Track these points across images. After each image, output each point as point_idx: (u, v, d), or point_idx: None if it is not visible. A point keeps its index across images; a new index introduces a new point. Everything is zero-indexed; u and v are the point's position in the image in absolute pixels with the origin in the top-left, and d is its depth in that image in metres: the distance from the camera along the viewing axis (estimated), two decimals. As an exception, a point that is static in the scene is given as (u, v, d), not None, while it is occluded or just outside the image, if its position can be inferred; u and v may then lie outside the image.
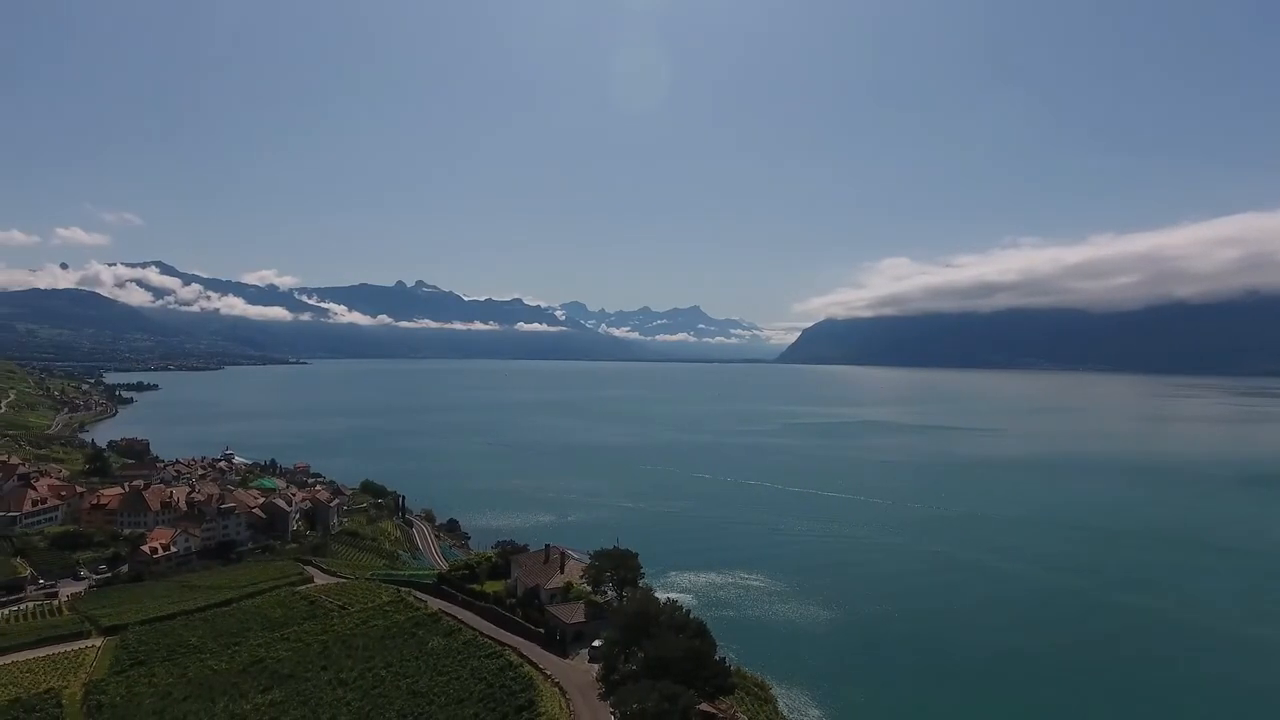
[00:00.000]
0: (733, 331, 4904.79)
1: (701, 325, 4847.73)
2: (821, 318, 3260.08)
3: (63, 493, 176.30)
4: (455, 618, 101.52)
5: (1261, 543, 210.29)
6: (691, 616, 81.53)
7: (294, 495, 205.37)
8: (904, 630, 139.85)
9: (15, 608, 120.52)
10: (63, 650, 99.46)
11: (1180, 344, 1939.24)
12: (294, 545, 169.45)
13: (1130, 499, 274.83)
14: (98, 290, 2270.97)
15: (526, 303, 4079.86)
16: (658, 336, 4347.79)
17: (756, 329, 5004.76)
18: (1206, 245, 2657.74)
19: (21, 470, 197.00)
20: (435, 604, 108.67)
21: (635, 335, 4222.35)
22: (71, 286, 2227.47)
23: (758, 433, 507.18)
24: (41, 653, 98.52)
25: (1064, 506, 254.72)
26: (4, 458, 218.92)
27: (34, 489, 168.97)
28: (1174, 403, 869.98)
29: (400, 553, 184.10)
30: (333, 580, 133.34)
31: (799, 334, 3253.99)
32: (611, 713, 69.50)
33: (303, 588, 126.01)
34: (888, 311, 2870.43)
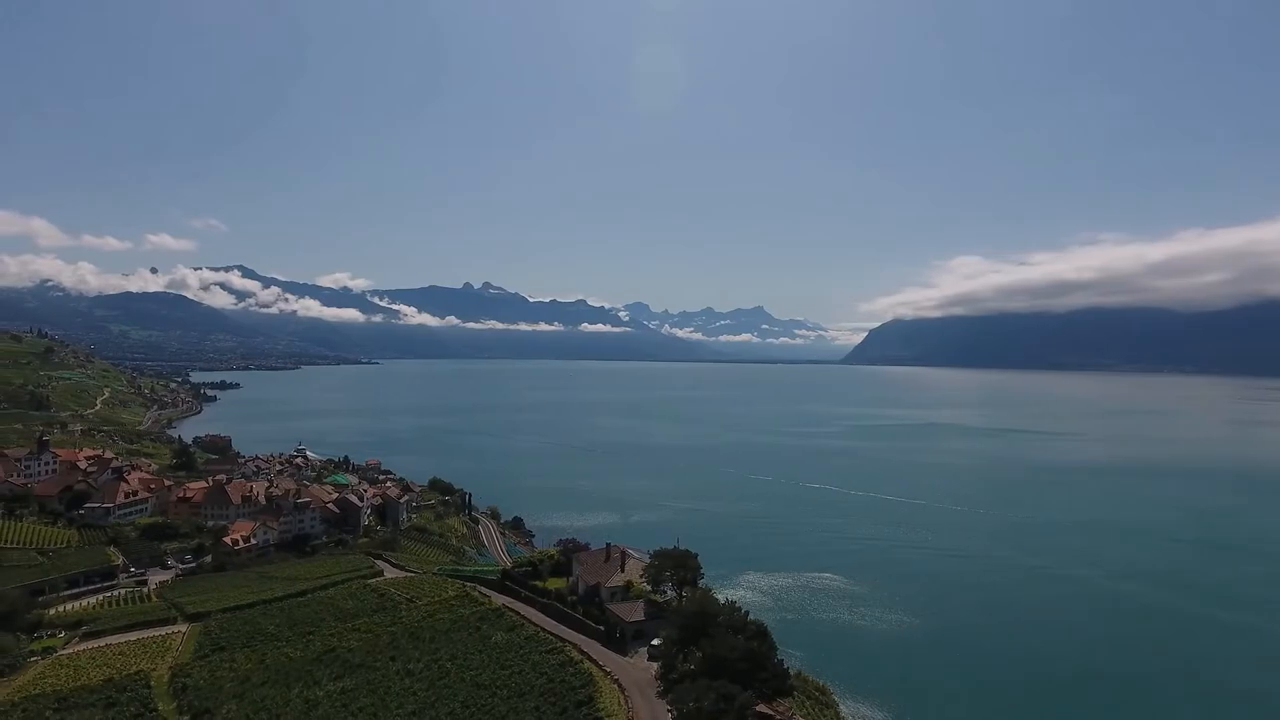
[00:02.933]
0: (797, 332, 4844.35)
1: (765, 326, 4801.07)
2: (889, 318, 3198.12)
3: (152, 486, 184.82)
4: (518, 613, 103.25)
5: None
6: (751, 618, 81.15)
7: (366, 491, 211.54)
8: (982, 644, 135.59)
9: (109, 594, 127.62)
10: (151, 635, 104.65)
11: (1273, 345, 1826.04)
12: (365, 540, 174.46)
13: (1225, 507, 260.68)
14: (184, 293, 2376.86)
15: (590, 304, 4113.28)
16: (721, 337, 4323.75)
17: (822, 329, 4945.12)
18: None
19: (115, 464, 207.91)
20: (499, 599, 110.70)
21: (698, 336, 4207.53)
22: (160, 290, 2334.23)
23: (821, 435, 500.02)
24: (132, 636, 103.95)
25: (1152, 514, 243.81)
26: (99, 452, 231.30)
27: (126, 482, 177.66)
28: (1268, 407, 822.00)
29: (466, 549, 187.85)
30: (401, 574, 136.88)
31: (865, 334, 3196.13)
32: (669, 710, 69.75)
33: (373, 581, 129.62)
34: (958, 311, 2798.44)
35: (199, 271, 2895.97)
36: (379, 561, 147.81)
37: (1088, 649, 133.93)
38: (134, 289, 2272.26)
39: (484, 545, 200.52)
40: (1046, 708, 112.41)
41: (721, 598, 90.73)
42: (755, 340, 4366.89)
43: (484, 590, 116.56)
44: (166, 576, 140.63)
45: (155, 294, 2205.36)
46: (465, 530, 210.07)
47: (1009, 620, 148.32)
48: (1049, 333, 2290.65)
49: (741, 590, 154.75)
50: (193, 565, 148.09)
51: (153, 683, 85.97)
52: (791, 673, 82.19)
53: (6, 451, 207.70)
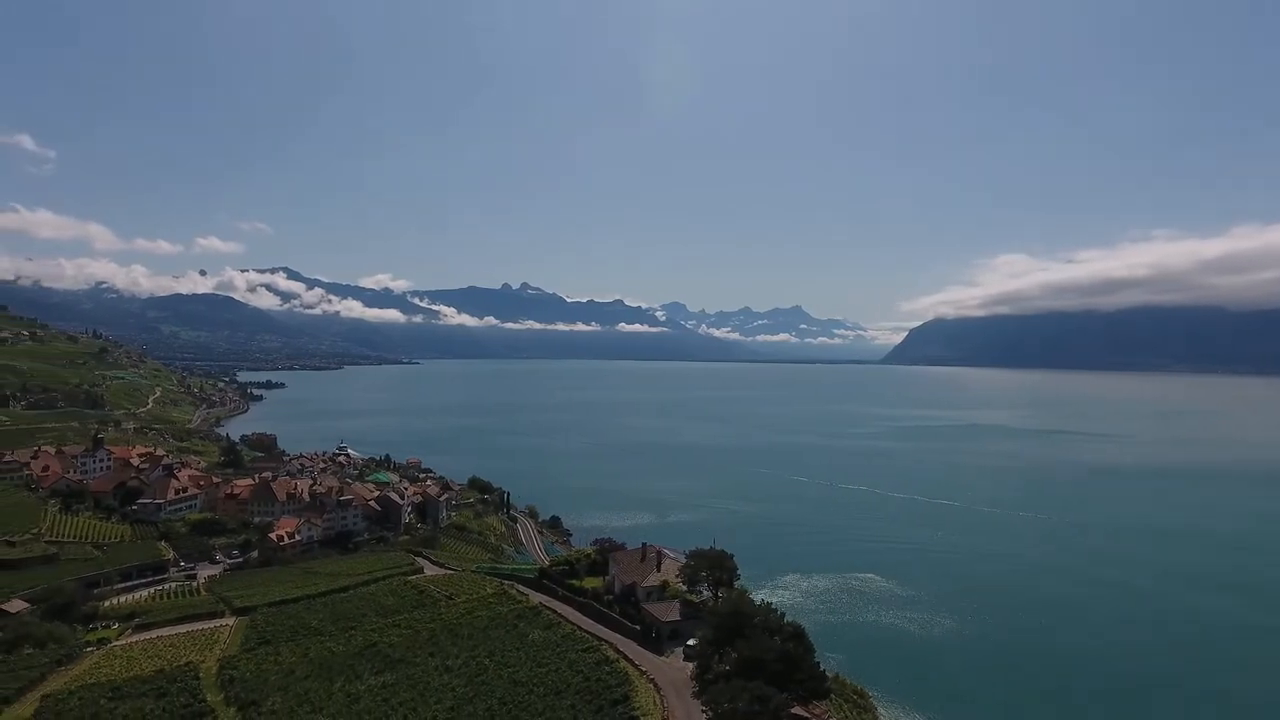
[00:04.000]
0: (836, 332, 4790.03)
1: (803, 325, 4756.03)
2: (930, 317, 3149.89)
3: (201, 482, 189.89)
4: (555, 611, 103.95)
5: None
6: (787, 620, 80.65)
7: (406, 489, 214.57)
8: (1028, 649, 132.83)
9: (160, 587, 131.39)
10: (200, 628, 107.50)
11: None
12: (406, 537, 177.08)
13: None
14: (232, 295, 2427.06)
15: (627, 304, 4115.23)
16: (758, 337, 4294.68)
17: (861, 329, 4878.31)
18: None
19: (166, 461, 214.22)
20: (536, 597, 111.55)
21: (735, 336, 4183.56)
22: (209, 291, 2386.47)
23: (860, 435, 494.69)
24: (182, 629, 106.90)
25: (1205, 519, 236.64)
26: (151, 449, 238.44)
27: (176, 478, 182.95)
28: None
29: (505, 547, 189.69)
30: (441, 571, 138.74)
31: (906, 334, 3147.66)
32: (704, 711, 69.69)
33: (413, 578, 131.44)
34: (1002, 310, 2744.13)
35: (245, 273, 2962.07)
36: (419, 559, 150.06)
37: (1132, 655, 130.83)
38: (184, 291, 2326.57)
39: (522, 544, 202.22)
40: (1086, 714, 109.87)
41: (757, 599, 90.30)
42: (793, 340, 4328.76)
43: (521, 588, 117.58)
44: (215, 571, 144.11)
45: (204, 295, 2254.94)
46: (503, 529, 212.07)
47: (1048, 624, 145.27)
48: (1097, 332, 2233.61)
49: (778, 591, 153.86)
50: (240, 560, 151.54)
51: (201, 674, 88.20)
52: (829, 676, 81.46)
53: (64, 449, 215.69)
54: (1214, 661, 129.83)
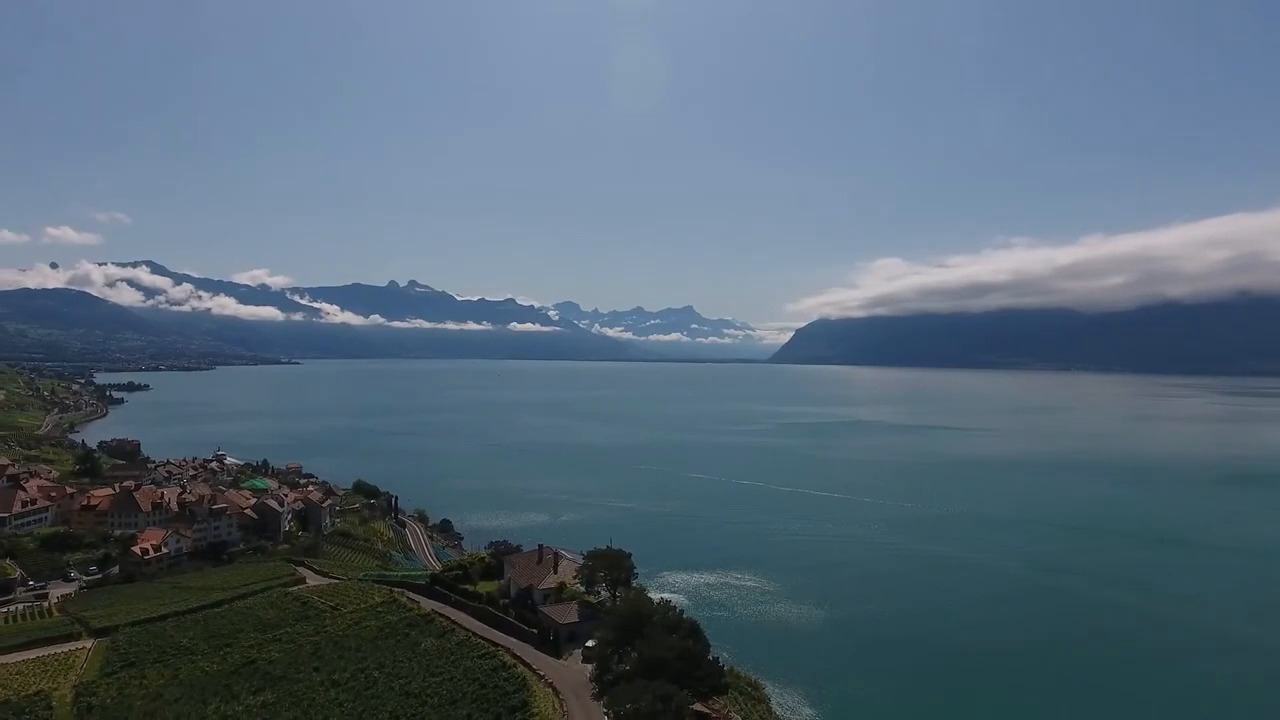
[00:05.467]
0: (726, 331, 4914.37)
1: (695, 325, 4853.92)
2: (815, 317, 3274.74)
3: (52, 493, 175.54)
4: (448, 618, 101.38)
5: (1250, 542, 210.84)
6: (684, 617, 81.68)
7: (286, 496, 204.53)
8: (897, 630, 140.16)
9: (4, 609, 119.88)
10: (53, 652, 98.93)
11: (1171, 344, 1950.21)
12: (286, 546, 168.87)
13: (1119, 498, 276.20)
14: (88, 290, 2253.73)
15: (520, 302, 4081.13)
16: (651, 336, 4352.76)
17: (750, 329, 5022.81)
18: (1197, 246, 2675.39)
19: (11, 471, 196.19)
20: (428, 605, 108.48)
21: (628, 335, 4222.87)
22: (61, 286, 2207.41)
23: (750, 432, 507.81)
24: (31, 654, 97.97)
25: (1054, 506, 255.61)
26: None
27: (23, 489, 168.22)
28: (1163, 402, 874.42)
29: (393, 553, 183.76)
30: (325, 581, 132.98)
31: (792, 334, 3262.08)
32: (605, 713, 69.53)
33: (295, 589, 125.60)
34: (881, 311, 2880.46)
35: (104, 267, 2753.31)
36: (301, 568, 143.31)
37: (994, 630, 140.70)
38: (32, 285, 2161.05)
39: (411, 549, 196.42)
40: (958, 685, 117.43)
41: (655, 597, 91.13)
42: (685, 339, 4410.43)
43: (412, 595, 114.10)
44: (69, 589, 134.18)
45: (56, 290, 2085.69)
46: (391, 534, 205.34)
47: (924, 606, 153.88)
48: (967, 332, 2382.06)
49: (674, 589, 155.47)
50: (98, 577, 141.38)
51: (54, 703, 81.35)
52: (725, 669, 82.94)
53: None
54: (1054, 632, 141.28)
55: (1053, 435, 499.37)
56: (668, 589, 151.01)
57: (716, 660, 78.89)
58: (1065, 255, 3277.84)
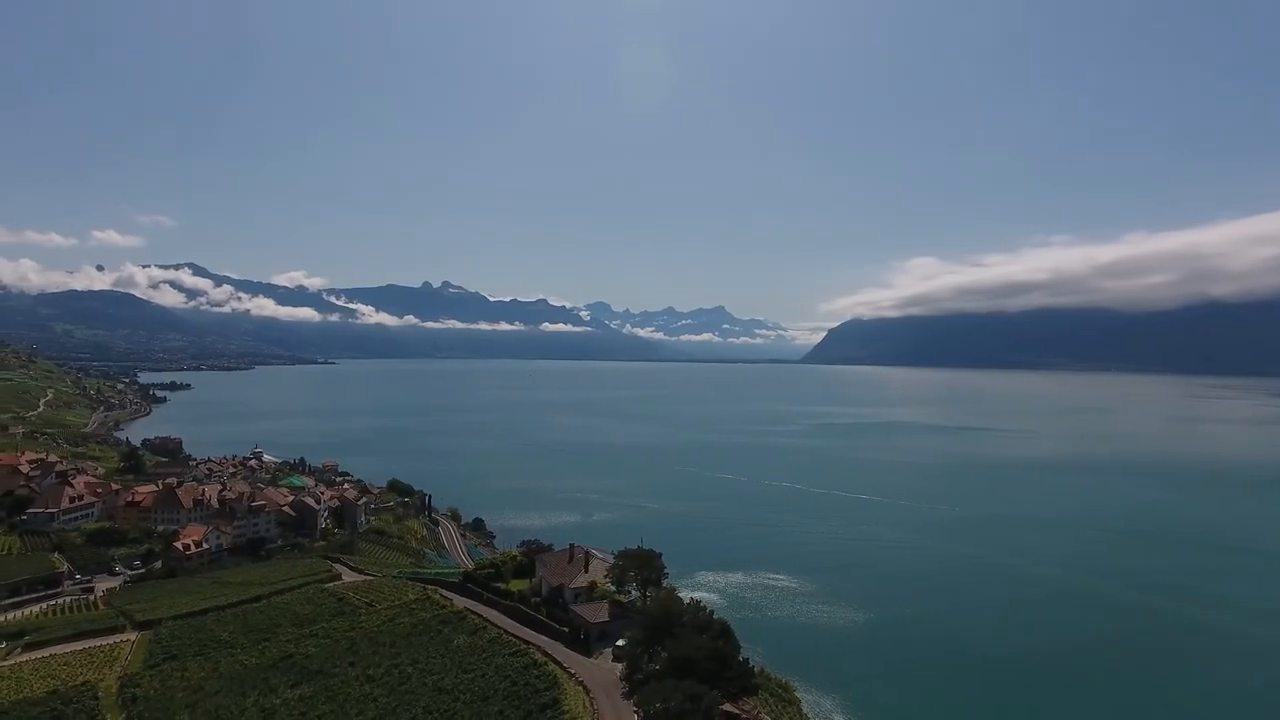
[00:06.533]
0: (758, 331, 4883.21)
1: (726, 325, 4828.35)
2: (848, 318, 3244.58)
3: (98, 490, 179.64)
4: (480, 616, 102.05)
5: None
6: (715, 617, 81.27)
7: (322, 493, 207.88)
8: (930, 634, 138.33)
9: (52, 602, 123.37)
10: (98, 644, 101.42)
11: (1215, 344, 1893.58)
12: (322, 543, 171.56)
13: (1159, 501, 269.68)
14: (132, 291, 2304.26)
15: (551, 303, 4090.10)
16: (682, 337, 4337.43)
17: (782, 329, 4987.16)
18: (1242, 244, 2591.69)
19: (59, 468, 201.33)
20: (461, 602, 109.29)
21: (660, 335, 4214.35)
22: (107, 288, 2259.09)
23: (782, 433, 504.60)
24: (78, 646, 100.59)
25: (1093, 509, 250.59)
26: (42, 455, 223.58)
27: (71, 486, 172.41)
28: (1206, 404, 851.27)
29: (426, 551, 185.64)
30: (360, 578, 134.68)
31: (825, 334, 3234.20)
32: (635, 712, 69.51)
33: (331, 585, 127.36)
34: (915, 311, 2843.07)
35: (148, 269, 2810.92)
36: (337, 565, 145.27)
37: (1029, 633, 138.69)
38: (79, 287, 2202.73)
39: (444, 547, 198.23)
40: (993, 688, 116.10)
41: (686, 597, 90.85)
42: (716, 340, 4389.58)
43: (445, 593, 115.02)
44: (114, 583, 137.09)
45: (101, 292, 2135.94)
46: (425, 532, 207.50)
47: (959, 609, 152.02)
48: (1003, 332, 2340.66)
49: (705, 589, 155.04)
50: (142, 571, 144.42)
51: (100, 693, 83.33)
52: (755, 670, 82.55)
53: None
54: (1091, 636, 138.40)
55: (1092, 437, 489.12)
56: (698, 589, 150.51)
57: (747, 661, 78.45)
58: (1106, 253, 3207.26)
